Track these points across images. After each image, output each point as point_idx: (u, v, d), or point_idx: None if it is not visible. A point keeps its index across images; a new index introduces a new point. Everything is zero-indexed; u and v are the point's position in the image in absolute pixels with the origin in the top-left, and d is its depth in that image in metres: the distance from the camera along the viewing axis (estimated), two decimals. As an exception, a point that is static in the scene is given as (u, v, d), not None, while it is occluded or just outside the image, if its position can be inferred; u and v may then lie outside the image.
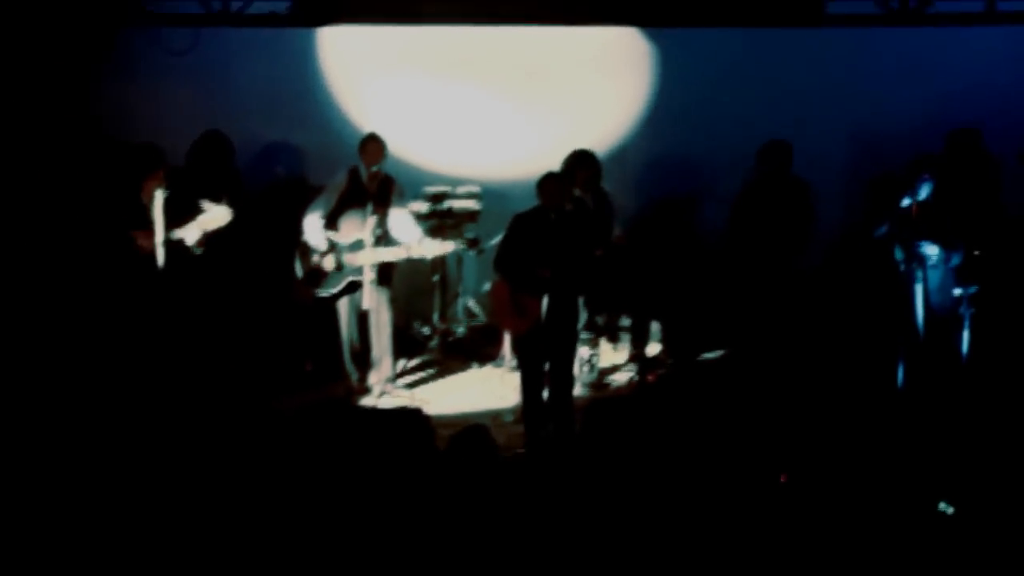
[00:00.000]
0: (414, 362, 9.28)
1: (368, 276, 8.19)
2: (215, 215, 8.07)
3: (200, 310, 8.30)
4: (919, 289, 7.74)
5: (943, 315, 7.81)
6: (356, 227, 8.28)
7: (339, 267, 8.26)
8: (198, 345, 8.23)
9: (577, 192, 8.59)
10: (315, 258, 8.31)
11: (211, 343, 8.41)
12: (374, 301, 8.28)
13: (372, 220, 8.20)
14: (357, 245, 8.24)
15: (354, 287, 8.29)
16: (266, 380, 8.58)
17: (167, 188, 7.74)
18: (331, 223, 8.35)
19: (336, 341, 8.61)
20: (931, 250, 7.78)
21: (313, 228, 8.32)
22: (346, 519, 5.81)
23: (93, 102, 9.69)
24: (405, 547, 5.58)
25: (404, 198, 8.54)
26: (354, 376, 8.56)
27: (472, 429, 6.11)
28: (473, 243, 8.47)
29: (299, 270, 8.42)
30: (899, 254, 7.90)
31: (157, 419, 7.43)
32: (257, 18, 9.24)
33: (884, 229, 7.96)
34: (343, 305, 8.43)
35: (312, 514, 5.86)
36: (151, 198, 7.71)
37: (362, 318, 8.41)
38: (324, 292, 8.35)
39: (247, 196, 9.02)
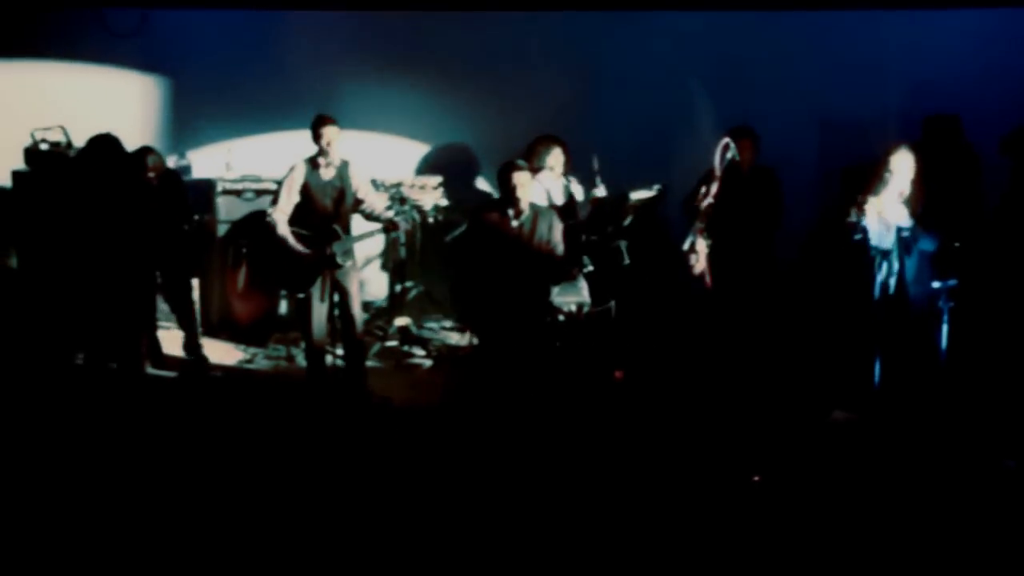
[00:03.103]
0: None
1: (340, 265, 7.86)
2: None
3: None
4: (892, 282, 7.56)
5: (920, 307, 7.62)
6: (324, 219, 7.90)
7: (315, 262, 7.91)
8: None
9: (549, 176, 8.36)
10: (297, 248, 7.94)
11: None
12: (352, 289, 7.99)
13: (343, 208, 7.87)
14: (329, 237, 7.87)
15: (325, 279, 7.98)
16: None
17: None
18: (297, 220, 7.95)
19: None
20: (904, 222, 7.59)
21: (282, 227, 7.93)
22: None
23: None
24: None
25: (363, 176, 8.16)
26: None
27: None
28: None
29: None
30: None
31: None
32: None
33: (861, 236, 7.73)
34: (316, 298, 8.00)
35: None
36: None
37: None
38: (302, 291, 7.99)
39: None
